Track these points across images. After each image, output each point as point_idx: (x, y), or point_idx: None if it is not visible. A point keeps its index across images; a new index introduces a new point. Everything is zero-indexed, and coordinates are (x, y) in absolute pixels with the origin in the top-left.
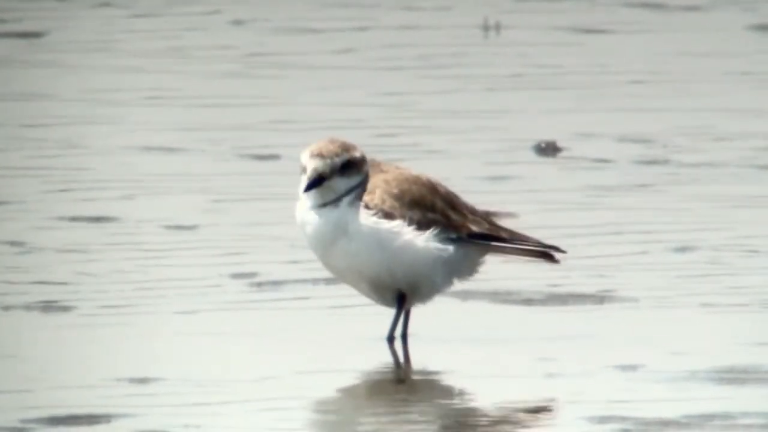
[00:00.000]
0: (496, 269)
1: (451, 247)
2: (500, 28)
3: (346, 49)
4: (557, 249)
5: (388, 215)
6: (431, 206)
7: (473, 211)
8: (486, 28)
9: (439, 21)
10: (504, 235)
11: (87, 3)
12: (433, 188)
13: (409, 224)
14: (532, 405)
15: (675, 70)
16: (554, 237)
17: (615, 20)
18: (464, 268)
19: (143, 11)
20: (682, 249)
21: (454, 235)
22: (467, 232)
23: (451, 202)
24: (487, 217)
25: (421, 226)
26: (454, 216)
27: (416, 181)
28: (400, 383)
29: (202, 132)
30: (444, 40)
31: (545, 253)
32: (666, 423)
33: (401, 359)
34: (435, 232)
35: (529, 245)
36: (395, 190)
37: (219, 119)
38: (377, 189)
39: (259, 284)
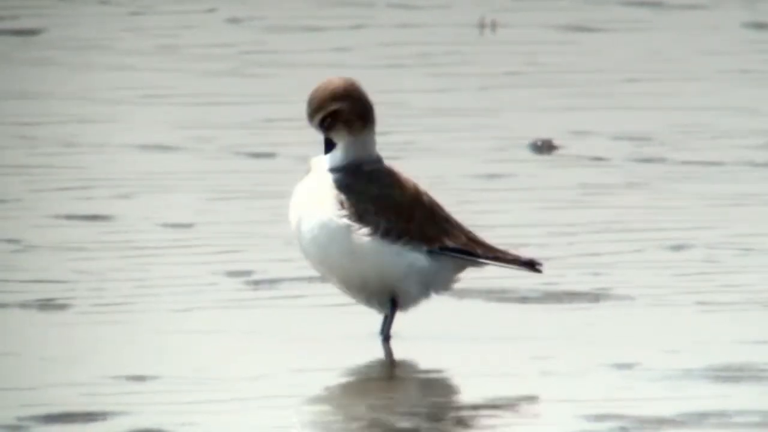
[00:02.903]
0: (491, 267)
1: (423, 258)
2: (496, 26)
3: (343, 48)
4: (534, 267)
5: (360, 218)
6: (408, 216)
7: (454, 225)
8: (482, 26)
9: (435, 19)
10: (479, 251)
11: (84, 1)
12: (417, 197)
13: (379, 232)
14: (527, 403)
15: (671, 68)
16: (550, 235)
17: (611, 18)
18: (439, 279)
19: (139, 9)
20: (678, 247)
21: (425, 247)
22: (439, 245)
23: (433, 213)
24: (469, 233)
25: (390, 234)
26: (429, 228)
27: (402, 186)
28: (394, 381)
29: (198, 130)
30: (440, 39)
31: (527, 264)
32: (661, 421)
33: (395, 357)
34: (406, 242)
35: (504, 264)
36: (375, 192)
37: (215, 117)
38: (358, 187)
39: (255, 282)
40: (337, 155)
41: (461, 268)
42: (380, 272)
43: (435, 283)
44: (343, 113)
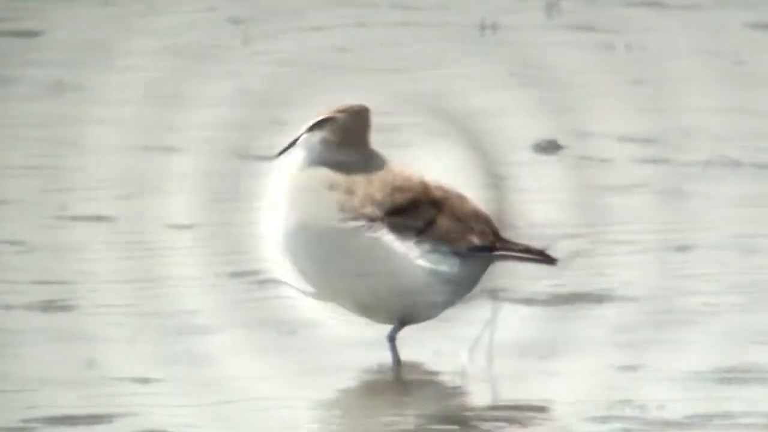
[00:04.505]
0: (496, 268)
1: (451, 262)
2: (497, 27)
3: (343, 48)
4: (551, 258)
5: (371, 220)
6: (415, 214)
7: (484, 220)
8: (483, 26)
9: (436, 19)
10: (507, 246)
11: (85, 2)
12: (425, 191)
13: (390, 230)
14: (532, 405)
15: (674, 69)
16: (554, 236)
17: (613, 19)
18: (466, 282)
19: (140, 11)
20: (683, 248)
21: (446, 249)
22: (467, 246)
23: (452, 208)
24: (492, 224)
25: (402, 232)
26: (451, 226)
27: (407, 181)
28: (400, 383)
29: (201, 131)
30: (441, 39)
31: (544, 259)
32: (667, 423)
33: (401, 359)
34: (419, 243)
35: (527, 255)
36: (378, 194)
37: (216, 118)
38: (358, 188)
39: (259, 283)
40: (310, 152)
41: (488, 264)
42: (395, 282)
43: (463, 286)
44: (337, 122)
